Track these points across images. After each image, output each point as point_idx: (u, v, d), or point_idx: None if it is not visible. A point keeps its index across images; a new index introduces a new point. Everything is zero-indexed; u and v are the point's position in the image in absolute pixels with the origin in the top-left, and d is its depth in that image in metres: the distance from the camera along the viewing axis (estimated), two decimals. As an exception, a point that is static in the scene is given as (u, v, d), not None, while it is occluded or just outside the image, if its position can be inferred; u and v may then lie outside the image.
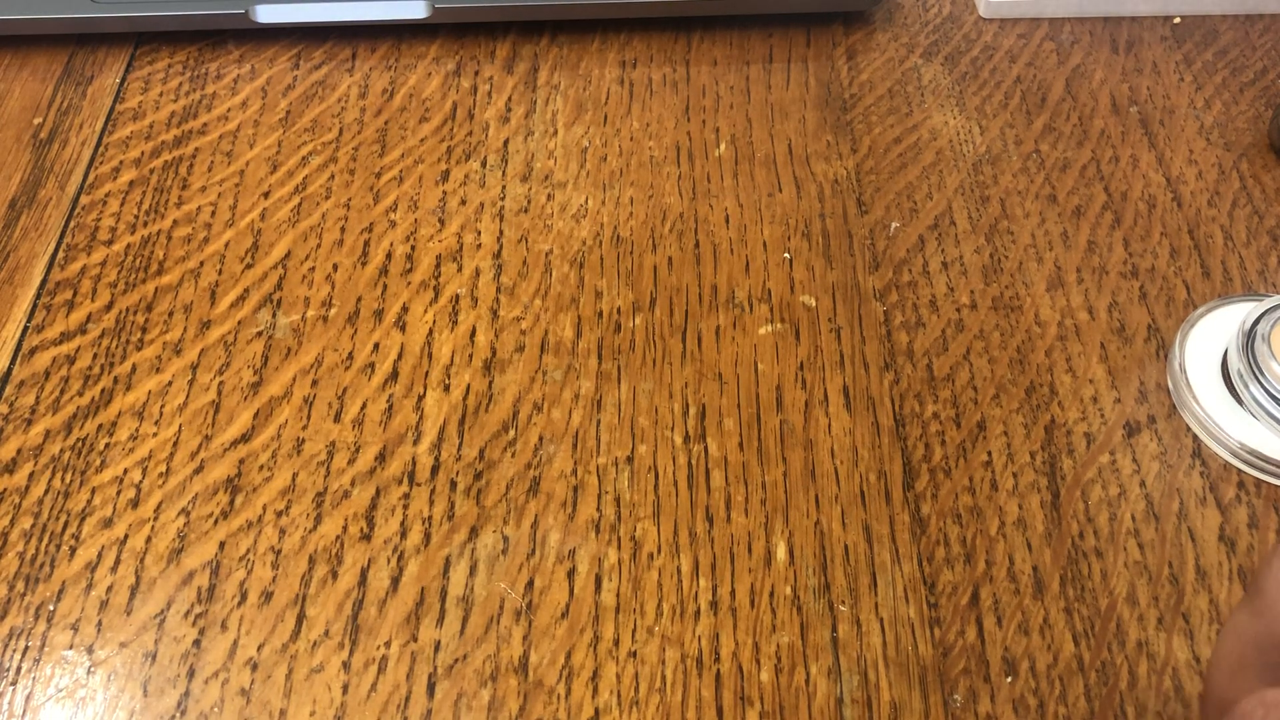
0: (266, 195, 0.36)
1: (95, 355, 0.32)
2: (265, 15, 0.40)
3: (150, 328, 0.33)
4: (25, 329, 0.33)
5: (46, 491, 0.29)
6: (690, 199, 0.36)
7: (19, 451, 0.30)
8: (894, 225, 0.35)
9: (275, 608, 0.27)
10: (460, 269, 0.34)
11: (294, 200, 0.36)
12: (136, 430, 0.30)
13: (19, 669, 0.26)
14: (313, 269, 0.34)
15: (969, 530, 0.29)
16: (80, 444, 0.30)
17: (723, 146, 0.38)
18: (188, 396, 0.31)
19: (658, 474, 0.29)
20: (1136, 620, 0.27)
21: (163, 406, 0.31)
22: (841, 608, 0.27)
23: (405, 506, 0.29)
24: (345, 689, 0.26)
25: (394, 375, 0.32)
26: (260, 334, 0.32)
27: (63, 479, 0.29)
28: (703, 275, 0.34)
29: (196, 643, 0.27)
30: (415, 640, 0.27)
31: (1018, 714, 0.26)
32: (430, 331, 0.33)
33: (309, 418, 0.31)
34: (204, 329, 0.33)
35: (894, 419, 0.31)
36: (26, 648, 0.27)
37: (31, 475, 0.29)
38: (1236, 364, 0.30)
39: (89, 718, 0.26)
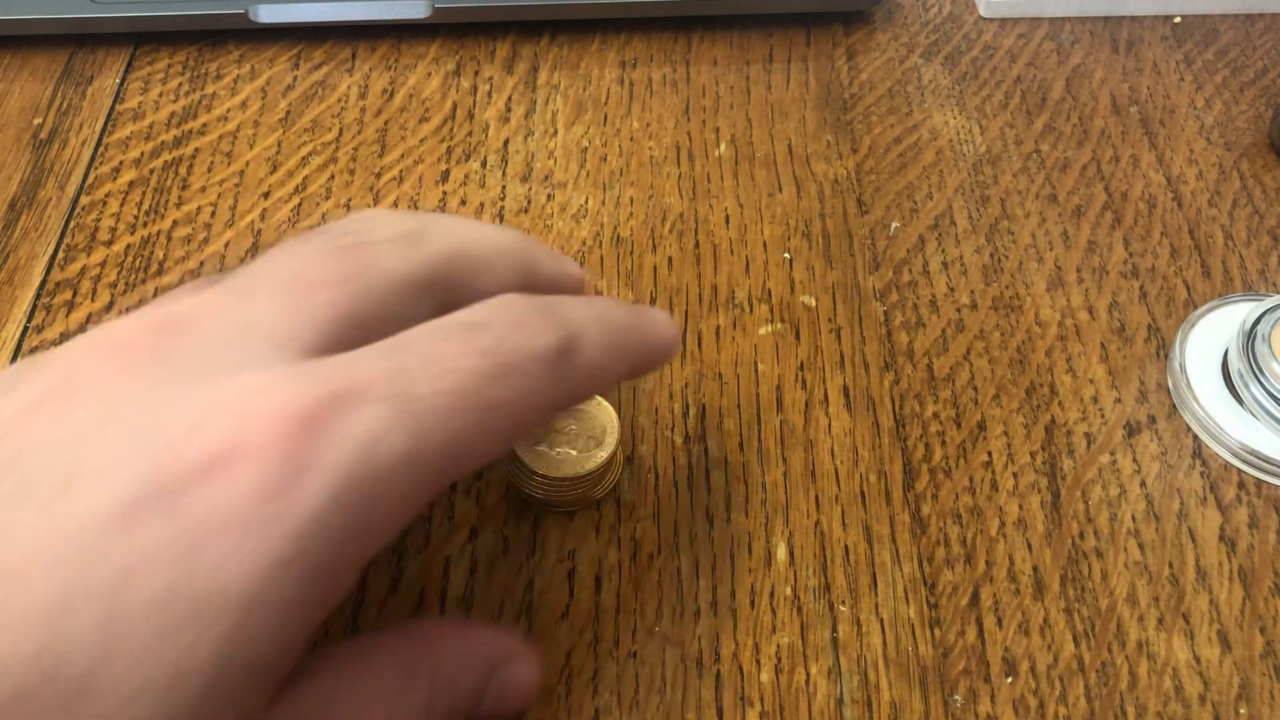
0: (266, 195, 0.36)
1: (95, 356, 0.32)
2: (265, 15, 0.40)
3: (150, 328, 0.33)
4: (25, 329, 0.33)
5: (46, 492, 0.29)
6: (690, 199, 0.36)
7: (19, 452, 0.30)
8: (894, 225, 0.35)
9: (275, 608, 0.27)
10: (460, 269, 0.34)
11: (294, 200, 0.36)
12: (136, 431, 0.30)
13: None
14: (312, 269, 0.34)
15: (969, 530, 0.29)
16: (80, 444, 0.30)
17: (723, 146, 0.38)
18: (187, 397, 0.31)
19: (658, 474, 0.29)
20: (1137, 620, 0.27)
21: (162, 407, 0.31)
22: (841, 608, 0.27)
23: (405, 507, 0.29)
24: (345, 689, 0.26)
25: (394, 375, 0.31)
26: (260, 334, 0.32)
27: (62, 479, 0.29)
28: (703, 275, 0.34)
29: (196, 643, 0.27)
30: (415, 641, 0.27)
31: (1018, 714, 0.26)
32: (430, 332, 0.33)
33: (309, 418, 0.31)
34: (204, 329, 0.33)
35: (894, 419, 0.31)
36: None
37: (31, 476, 0.29)
38: (1237, 364, 0.30)
39: (89, 718, 0.26)
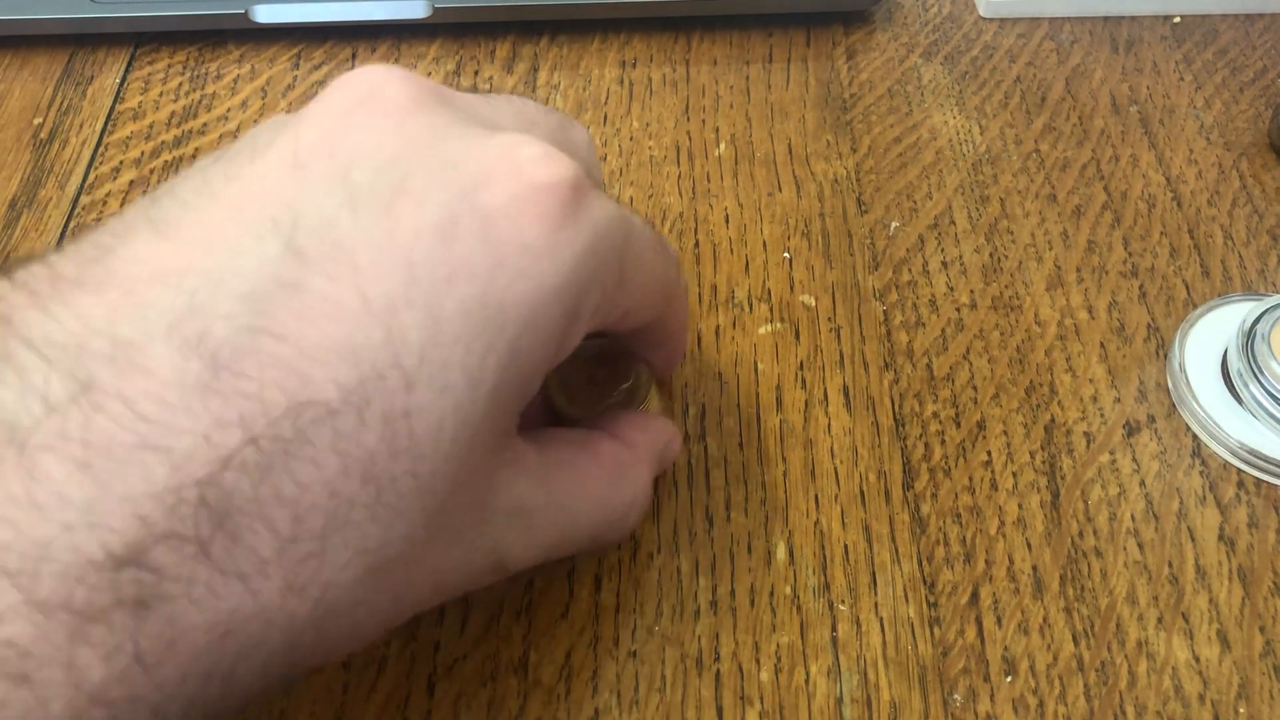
0: (266, 195, 0.36)
1: (95, 355, 0.32)
2: (265, 15, 0.40)
3: (150, 328, 0.33)
4: (25, 329, 0.33)
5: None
6: (690, 199, 0.36)
7: (19, 451, 0.30)
8: (894, 225, 0.35)
9: (275, 607, 0.27)
10: (460, 269, 0.34)
11: (294, 200, 0.36)
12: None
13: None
14: (313, 269, 0.34)
15: (969, 530, 0.29)
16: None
17: (722, 146, 0.38)
18: (188, 396, 0.31)
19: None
20: (1136, 620, 0.27)
21: (163, 406, 0.31)
22: (841, 607, 0.27)
23: (405, 506, 0.29)
24: (345, 689, 0.26)
25: (394, 375, 0.31)
26: (260, 334, 0.32)
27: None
28: (703, 275, 0.34)
29: (196, 642, 0.27)
30: (415, 640, 0.27)
31: (1017, 713, 0.26)
32: (430, 331, 0.33)
33: (309, 417, 0.31)
34: (204, 329, 0.33)
35: (894, 419, 0.31)
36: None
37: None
38: (1236, 363, 0.30)
39: (89, 717, 0.26)
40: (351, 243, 0.18)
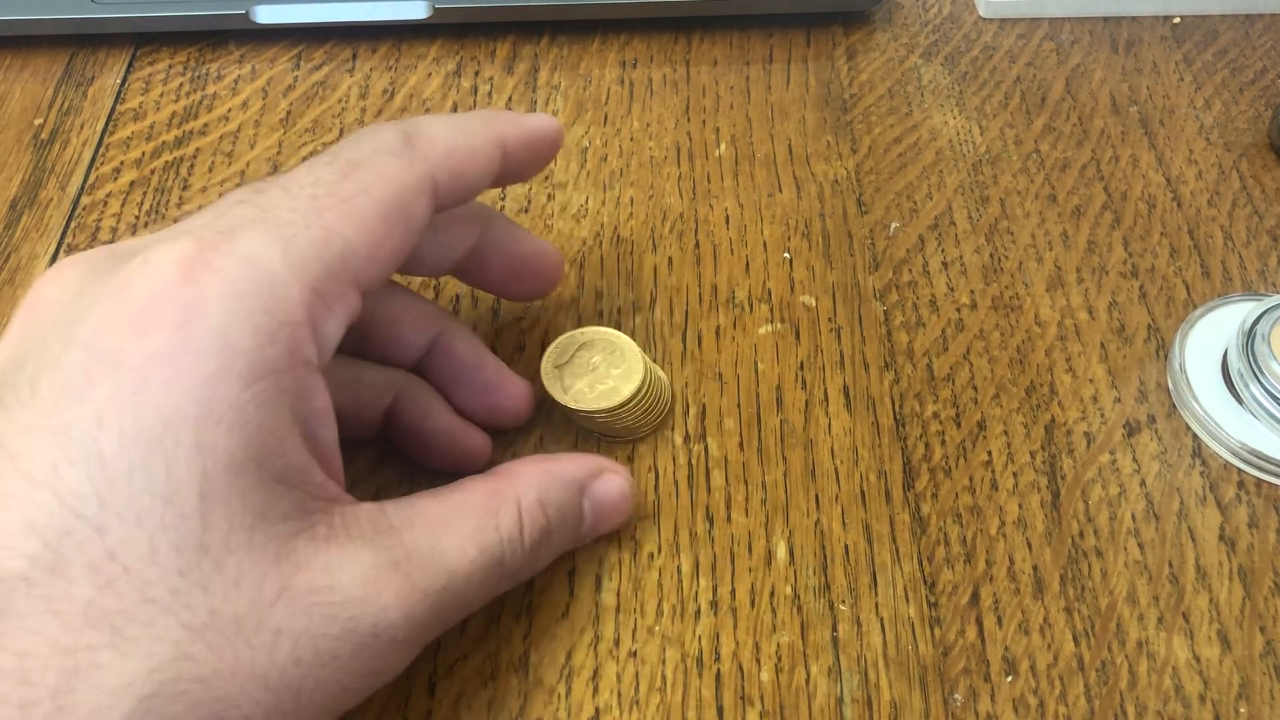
0: (267, 195, 0.36)
1: (96, 355, 0.32)
2: (265, 16, 0.40)
3: (151, 328, 0.33)
4: (26, 329, 0.33)
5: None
6: (690, 199, 0.36)
7: (20, 451, 0.30)
8: (894, 225, 0.35)
9: (276, 607, 0.27)
10: (460, 269, 0.34)
11: (294, 200, 0.36)
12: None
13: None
14: (313, 269, 0.34)
15: (969, 530, 0.29)
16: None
17: (723, 146, 0.38)
18: (188, 396, 0.31)
19: (658, 474, 0.30)
20: (1137, 620, 0.27)
21: (163, 406, 0.31)
22: (842, 607, 0.27)
23: (406, 506, 0.29)
24: (346, 688, 0.26)
25: (394, 375, 0.32)
26: (261, 334, 0.32)
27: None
28: (703, 275, 0.34)
29: (197, 642, 0.27)
30: (416, 640, 0.27)
31: (1018, 713, 0.26)
32: (430, 331, 0.33)
33: (309, 418, 0.31)
34: (204, 329, 0.33)
35: (894, 419, 0.31)
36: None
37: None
38: (1236, 363, 0.30)
39: (90, 717, 0.26)
40: (8, 437, 0.19)
